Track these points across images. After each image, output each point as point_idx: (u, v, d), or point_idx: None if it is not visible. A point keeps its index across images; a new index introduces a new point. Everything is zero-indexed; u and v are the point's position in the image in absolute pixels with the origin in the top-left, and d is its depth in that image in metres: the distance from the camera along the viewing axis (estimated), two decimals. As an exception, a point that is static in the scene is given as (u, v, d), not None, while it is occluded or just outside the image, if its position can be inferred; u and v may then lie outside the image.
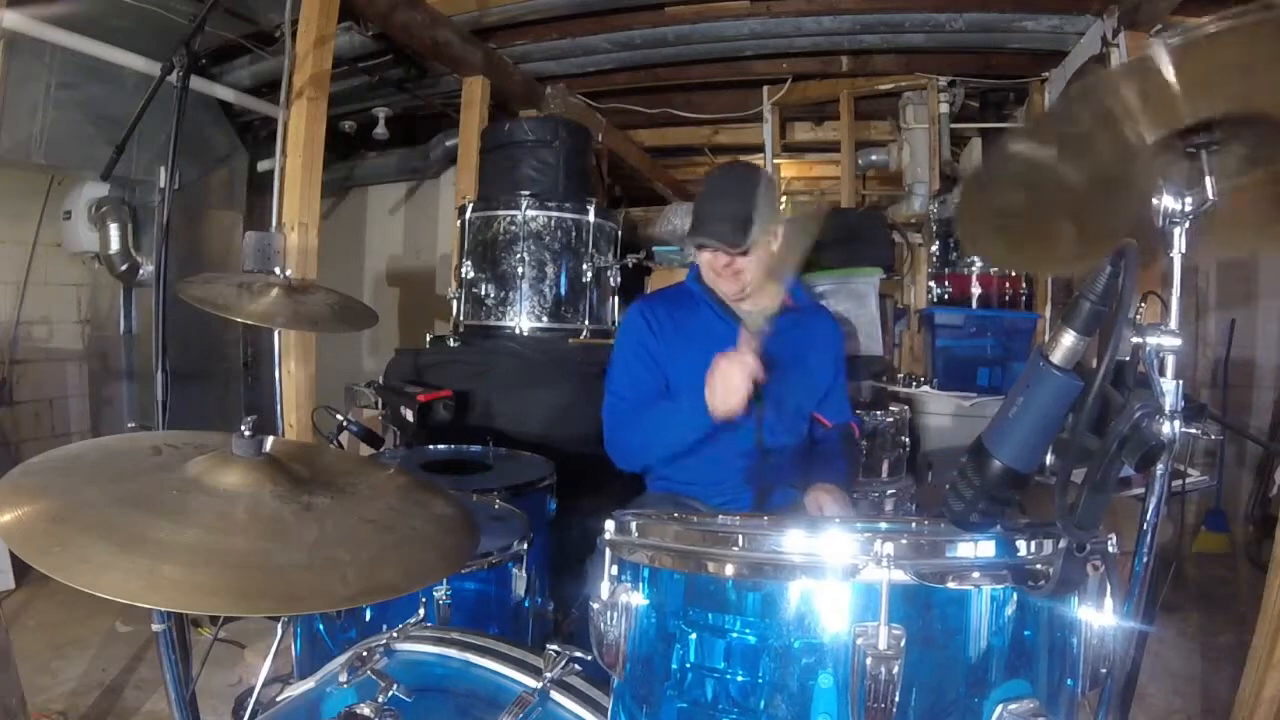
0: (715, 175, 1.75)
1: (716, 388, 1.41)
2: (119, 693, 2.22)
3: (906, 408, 2.60)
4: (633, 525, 0.85)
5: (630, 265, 2.79)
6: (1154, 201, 0.85)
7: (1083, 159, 0.96)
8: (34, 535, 0.71)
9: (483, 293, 2.65)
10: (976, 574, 0.73)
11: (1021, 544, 0.74)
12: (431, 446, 2.13)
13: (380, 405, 2.59)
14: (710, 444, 1.62)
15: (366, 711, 0.85)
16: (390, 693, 0.87)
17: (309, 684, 1.04)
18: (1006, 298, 3.18)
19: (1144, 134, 0.86)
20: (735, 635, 0.76)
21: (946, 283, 3.27)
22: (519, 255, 2.60)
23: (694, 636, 0.78)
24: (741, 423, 1.65)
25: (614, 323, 2.71)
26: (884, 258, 3.00)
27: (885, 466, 2.47)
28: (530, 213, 2.59)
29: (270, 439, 0.91)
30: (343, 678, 0.97)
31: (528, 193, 2.63)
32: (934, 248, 3.35)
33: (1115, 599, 0.77)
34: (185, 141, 1.50)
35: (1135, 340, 0.75)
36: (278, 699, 1.07)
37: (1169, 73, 0.77)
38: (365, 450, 2.12)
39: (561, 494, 1.89)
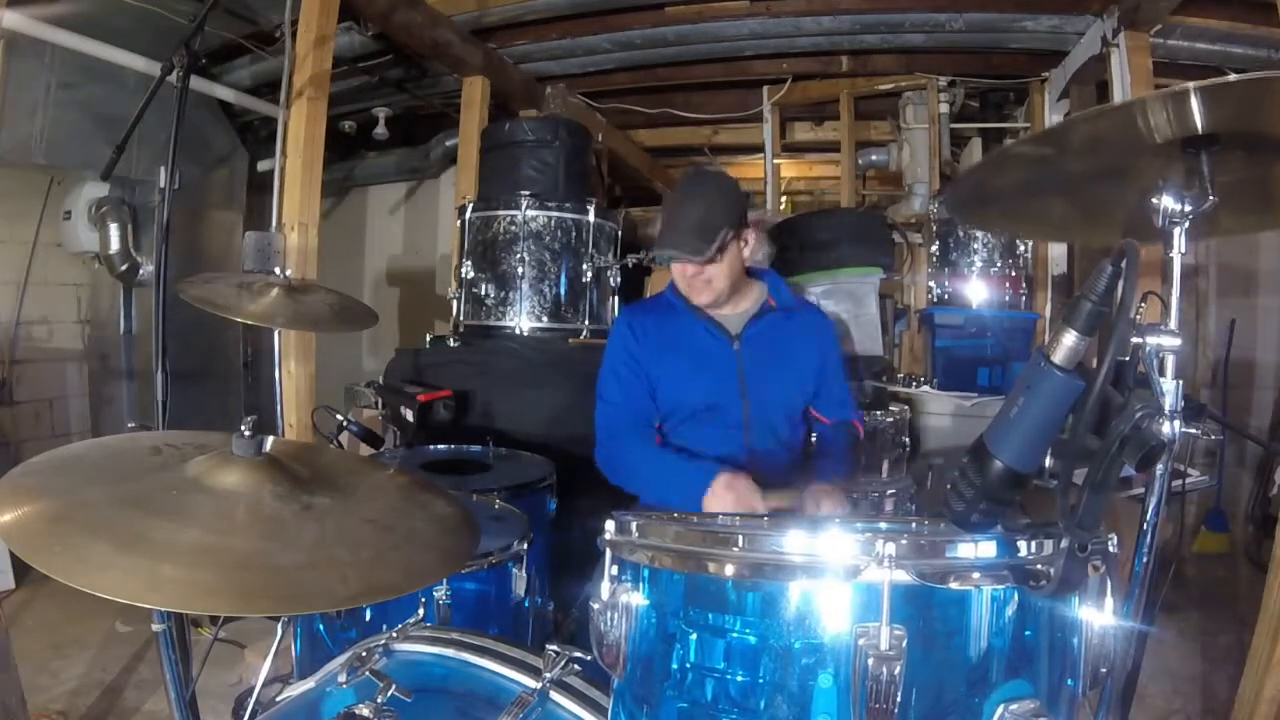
0: (678, 185, 1.74)
1: (719, 499, 1.42)
2: (119, 693, 2.22)
3: (906, 408, 2.60)
4: (633, 525, 0.85)
5: (630, 265, 2.79)
6: (1154, 201, 0.85)
7: (1084, 157, 0.96)
8: (34, 535, 0.71)
9: (483, 293, 2.65)
10: (977, 574, 0.73)
11: (1022, 544, 0.74)
12: (431, 446, 2.13)
13: (380, 405, 2.59)
14: (696, 449, 1.63)
15: (366, 712, 0.84)
16: (390, 693, 0.87)
17: (309, 684, 1.04)
18: (1006, 298, 3.18)
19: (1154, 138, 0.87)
20: (735, 635, 0.76)
21: (946, 283, 3.27)
22: (519, 255, 2.60)
23: (694, 636, 0.78)
24: (728, 427, 1.66)
25: (614, 321, 2.71)
26: (884, 258, 2.99)
27: (885, 466, 2.47)
28: (530, 213, 2.59)
29: (270, 439, 0.91)
30: (342, 678, 0.97)
31: (528, 193, 2.63)
32: (934, 248, 3.35)
33: (1115, 599, 0.77)
34: (185, 141, 1.50)
35: (1135, 340, 0.75)
36: (278, 699, 1.07)
37: (1196, 107, 0.80)
38: (365, 450, 2.12)
39: (561, 494, 1.89)
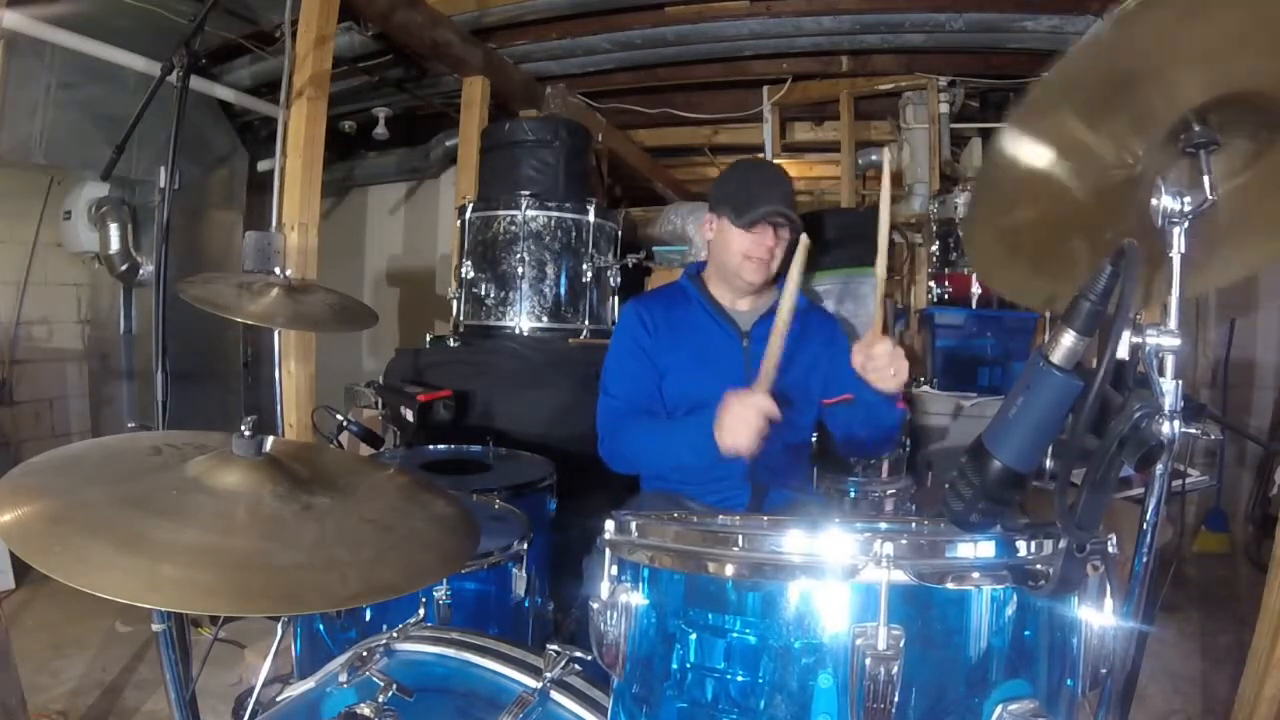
0: (745, 165, 1.77)
1: (727, 425, 1.36)
2: (119, 693, 2.22)
3: (906, 408, 2.60)
4: (633, 525, 0.85)
5: (630, 265, 2.79)
6: (1153, 201, 0.85)
7: (1083, 164, 0.96)
8: (34, 535, 0.71)
9: (483, 293, 2.65)
10: (976, 574, 0.73)
11: (1021, 544, 0.74)
12: (431, 446, 2.13)
13: (380, 405, 2.59)
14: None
15: (366, 711, 0.85)
16: (390, 693, 0.87)
17: (309, 684, 1.04)
18: (1006, 298, 3.18)
19: (1141, 118, 0.85)
20: (735, 635, 0.76)
21: (946, 283, 3.26)
22: (519, 255, 2.60)
23: (694, 636, 0.78)
24: None
25: (614, 323, 2.71)
26: (884, 258, 2.99)
27: (885, 466, 2.47)
28: (530, 213, 2.59)
29: (270, 439, 0.91)
30: (343, 678, 0.97)
31: (528, 193, 2.63)
32: (934, 248, 3.34)
33: (1115, 599, 0.77)
34: (185, 141, 1.51)
35: (1135, 340, 0.75)
36: (278, 699, 1.07)
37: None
38: (365, 450, 2.12)
39: (561, 494, 1.89)
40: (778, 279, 1.75)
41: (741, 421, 1.34)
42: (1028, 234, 1.05)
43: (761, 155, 4.54)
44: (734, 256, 1.66)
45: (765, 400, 1.34)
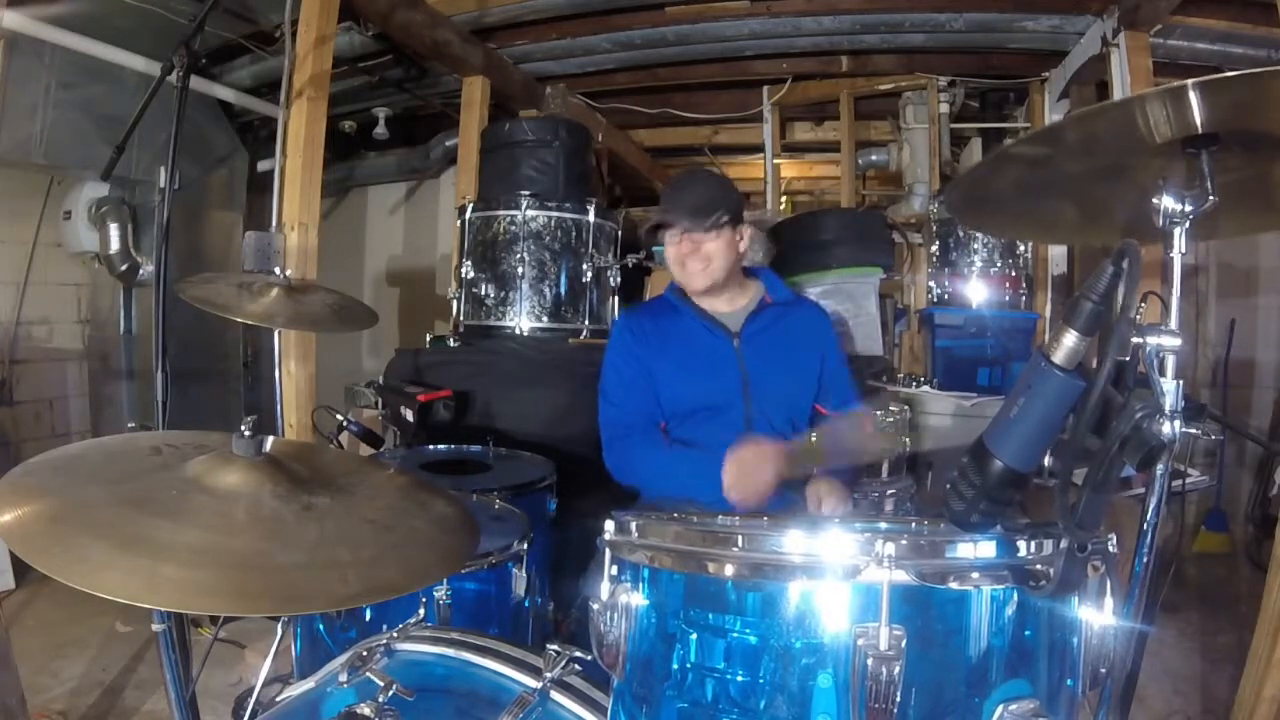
0: (673, 178, 1.84)
1: (738, 476, 1.43)
2: (119, 693, 2.22)
3: (906, 408, 2.60)
4: (633, 525, 0.85)
5: (630, 265, 2.79)
6: (1154, 201, 0.85)
7: (1083, 157, 0.96)
8: (34, 535, 0.71)
9: (483, 293, 2.65)
10: (977, 574, 0.73)
11: (1022, 544, 0.74)
12: (431, 446, 2.12)
13: (380, 405, 2.58)
14: (698, 445, 1.63)
15: (366, 711, 0.84)
16: (390, 693, 0.87)
17: (309, 684, 1.04)
18: (1006, 298, 3.18)
19: (1154, 137, 0.87)
20: (735, 635, 0.76)
21: (946, 283, 3.27)
22: (519, 255, 2.60)
23: (694, 637, 0.78)
24: (729, 426, 1.66)
25: (614, 323, 2.71)
26: (884, 258, 3.00)
27: (885, 466, 2.47)
28: (530, 213, 2.59)
29: (270, 439, 0.91)
30: (343, 678, 0.97)
31: (528, 193, 2.63)
32: (934, 248, 3.35)
33: (1115, 599, 0.77)
34: (185, 141, 1.51)
35: (1135, 340, 0.75)
36: (278, 699, 1.07)
37: (1195, 103, 0.80)
38: (365, 450, 2.12)
39: (561, 494, 1.89)
40: (750, 273, 1.81)
41: (757, 476, 1.41)
42: (1008, 196, 1.10)
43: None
44: (674, 268, 1.71)
45: (779, 466, 1.40)
